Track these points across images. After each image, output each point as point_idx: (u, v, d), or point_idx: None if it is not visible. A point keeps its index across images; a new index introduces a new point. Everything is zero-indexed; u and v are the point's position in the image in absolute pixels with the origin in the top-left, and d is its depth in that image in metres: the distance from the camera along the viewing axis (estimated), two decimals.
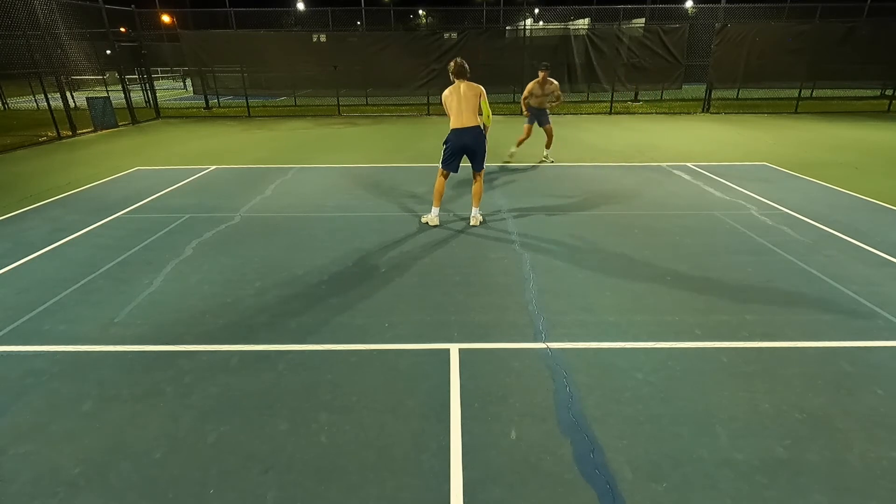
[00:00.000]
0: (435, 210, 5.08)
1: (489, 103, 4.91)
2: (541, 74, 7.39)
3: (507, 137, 10.55)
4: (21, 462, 2.14)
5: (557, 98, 7.62)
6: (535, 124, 7.78)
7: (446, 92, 4.88)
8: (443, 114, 4.85)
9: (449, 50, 14.32)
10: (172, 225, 5.13)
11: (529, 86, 7.49)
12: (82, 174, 7.45)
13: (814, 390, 2.55)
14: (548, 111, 7.76)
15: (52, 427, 2.34)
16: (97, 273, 4.00)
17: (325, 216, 5.43)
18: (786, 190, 6.32)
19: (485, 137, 4.91)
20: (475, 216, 5.11)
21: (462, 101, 4.79)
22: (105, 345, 3.00)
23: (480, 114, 4.85)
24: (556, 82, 7.52)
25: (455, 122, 4.83)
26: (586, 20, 18.88)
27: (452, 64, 4.89)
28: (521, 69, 14.78)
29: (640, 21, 16.98)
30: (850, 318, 3.24)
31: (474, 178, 5.08)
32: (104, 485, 2.03)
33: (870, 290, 3.61)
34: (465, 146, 4.89)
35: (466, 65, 4.83)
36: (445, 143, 4.93)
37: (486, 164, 5.06)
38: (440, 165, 5.00)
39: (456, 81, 4.85)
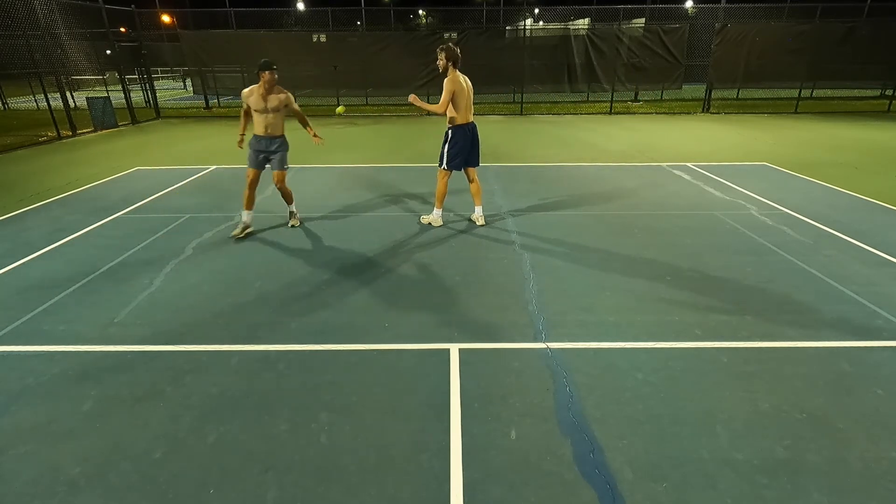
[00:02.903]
0: (437, 212, 5.04)
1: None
2: (265, 75, 4.46)
3: (505, 138, 10.56)
4: (21, 462, 2.14)
5: (300, 118, 4.90)
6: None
7: (456, 85, 4.49)
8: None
9: None
10: (172, 225, 5.13)
11: (245, 92, 4.64)
12: (82, 174, 7.45)
13: (814, 390, 2.55)
14: (281, 145, 4.79)
15: (52, 427, 2.34)
16: (97, 273, 4.00)
17: (324, 216, 5.43)
18: (786, 190, 6.32)
19: None
20: (480, 215, 5.07)
21: (469, 95, 4.65)
22: (105, 345, 3.00)
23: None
24: (287, 92, 4.61)
25: (463, 117, 4.65)
26: (586, 20, 18.89)
27: (451, 51, 4.46)
28: (520, 69, 14.78)
29: (640, 21, 16.98)
30: (850, 318, 3.24)
31: (472, 176, 5.02)
32: (104, 485, 2.03)
33: (870, 290, 3.61)
34: (473, 142, 4.81)
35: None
36: (450, 142, 4.73)
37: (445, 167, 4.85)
38: (444, 167, 4.82)
39: (454, 72, 4.51)
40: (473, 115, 4.84)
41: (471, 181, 5.04)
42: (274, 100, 4.60)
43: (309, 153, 8.97)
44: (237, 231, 4.76)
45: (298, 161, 8.24)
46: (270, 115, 4.65)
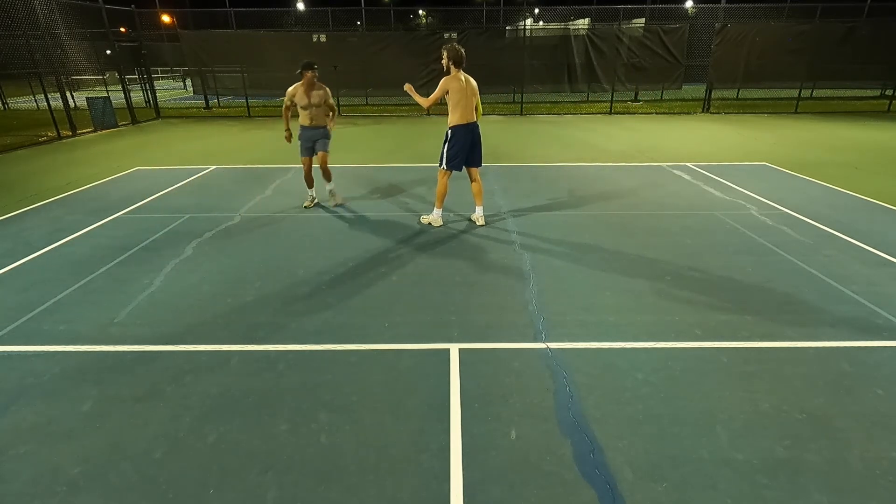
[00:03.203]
0: (437, 211, 5.04)
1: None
2: (307, 74, 5.21)
3: (505, 138, 10.56)
4: (21, 462, 2.14)
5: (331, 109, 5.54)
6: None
7: (453, 83, 4.53)
8: (443, 113, 4.78)
9: None
10: (172, 225, 5.13)
11: (290, 90, 5.32)
12: (82, 174, 7.45)
13: (814, 390, 2.55)
14: (325, 133, 5.53)
15: (52, 427, 2.34)
16: (97, 273, 4.00)
17: (325, 216, 5.43)
18: (786, 190, 6.32)
19: None
20: (481, 215, 5.06)
21: (470, 95, 4.63)
22: (105, 345, 3.00)
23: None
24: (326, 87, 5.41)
25: (462, 117, 4.65)
26: (586, 20, 18.89)
27: (452, 51, 4.50)
28: (520, 69, 14.78)
29: (640, 21, 16.98)
30: (850, 318, 3.24)
31: (473, 176, 5.02)
32: (104, 485, 2.03)
33: (870, 290, 3.61)
34: (472, 142, 4.80)
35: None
36: (450, 142, 4.74)
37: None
38: (444, 166, 4.82)
39: (456, 71, 4.55)
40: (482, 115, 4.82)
41: (472, 181, 5.04)
42: (316, 95, 5.30)
43: None
44: (307, 202, 5.72)
45: (299, 161, 8.23)
46: (314, 109, 5.34)
